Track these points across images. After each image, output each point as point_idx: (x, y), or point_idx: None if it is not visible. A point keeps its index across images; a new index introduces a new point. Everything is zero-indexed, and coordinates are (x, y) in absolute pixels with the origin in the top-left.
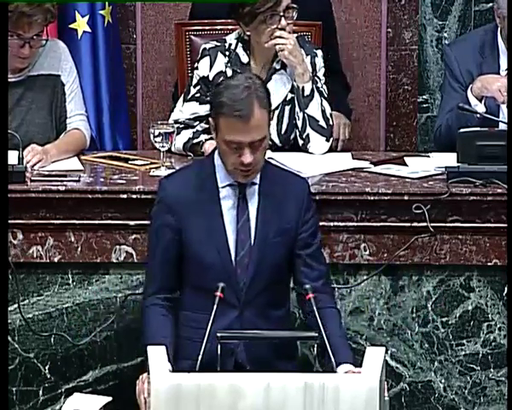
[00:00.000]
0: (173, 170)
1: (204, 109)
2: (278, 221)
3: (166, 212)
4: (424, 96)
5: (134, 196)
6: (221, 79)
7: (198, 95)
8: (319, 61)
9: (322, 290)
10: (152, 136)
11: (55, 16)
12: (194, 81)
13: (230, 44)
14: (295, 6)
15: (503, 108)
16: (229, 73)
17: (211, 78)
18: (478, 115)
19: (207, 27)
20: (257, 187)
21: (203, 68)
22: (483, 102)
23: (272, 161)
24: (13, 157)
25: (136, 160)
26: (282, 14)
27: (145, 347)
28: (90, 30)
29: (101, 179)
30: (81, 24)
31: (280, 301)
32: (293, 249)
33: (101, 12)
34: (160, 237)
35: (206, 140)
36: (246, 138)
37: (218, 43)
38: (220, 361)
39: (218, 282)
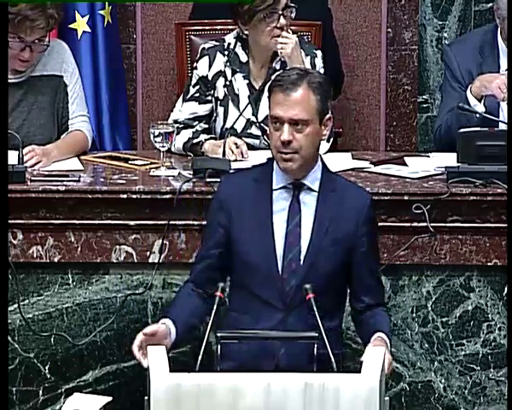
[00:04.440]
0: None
1: (203, 109)
2: (335, 231)
3: (218, 209)
4: (424, 96)
5: (134, 196)
6: (220, 77)
7: (197, 95)
8: (319, 62)
9: (382, 305)
10: (152, 136)
11: (58, 22)
12: (194, 81)
13: (229, 44)
14: (294, 5)
15: (503, 108)
16: (229, 72)
17: (210, 77)
18: (478, 115)
19: (207, 27)
20: (316, 194)
21: (202, 68)
22: (482, 102)
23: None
24: (13, 157)
25: (136, 160)
26: (280, 12)
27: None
28: (89, 30)
29: (101, 179)
30: (81, 24)
31: (330, 312)
32: (352, 263)
33: (101, 12)
34: (210, 232)
35: (205, 140)
36: (285, 113)
37: (217, 43)
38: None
39: (262, 283)
